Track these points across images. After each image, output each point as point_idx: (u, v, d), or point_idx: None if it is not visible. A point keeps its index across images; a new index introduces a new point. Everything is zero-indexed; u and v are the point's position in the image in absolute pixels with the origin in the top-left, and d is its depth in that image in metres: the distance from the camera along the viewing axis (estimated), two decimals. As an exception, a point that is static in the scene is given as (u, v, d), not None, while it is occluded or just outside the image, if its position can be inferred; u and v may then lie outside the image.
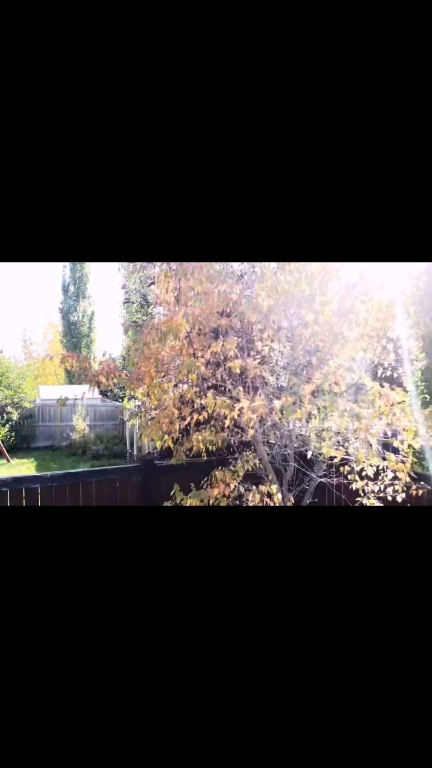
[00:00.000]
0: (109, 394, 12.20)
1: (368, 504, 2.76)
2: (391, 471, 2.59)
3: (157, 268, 2.45)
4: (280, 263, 2.60)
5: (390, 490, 2.68)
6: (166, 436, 2.59)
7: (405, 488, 2.63)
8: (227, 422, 2.11)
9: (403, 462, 2.26)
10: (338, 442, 2.59)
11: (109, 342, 36.46)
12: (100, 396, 11.46)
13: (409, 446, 2.31)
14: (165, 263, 2.49)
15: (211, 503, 2.29)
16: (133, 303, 8.65)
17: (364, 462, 2.23)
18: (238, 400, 2.11)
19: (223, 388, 2.49)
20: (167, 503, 2.46)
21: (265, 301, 2.01)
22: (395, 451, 2.47)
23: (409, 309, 2.63)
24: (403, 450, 2.39)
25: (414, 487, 2.73)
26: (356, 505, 2.84)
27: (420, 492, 2.78)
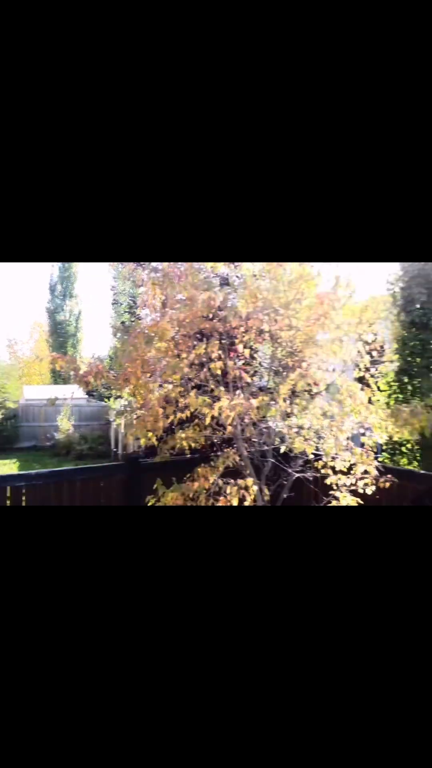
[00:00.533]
0: (94, 394, 12.20)
1: (341, 497, 2.94)
2: (361, 464, 2.78)
3: (145, 275, 2.58)
4: (262, 270, 2.78)
5: (361, 483, 2.88)
6: (150, 434, 2.72)
7: (374, 481, 2.84)
8: (207, 420, 2.26)
9: (368, 455, 2.45)
10: (313, 439, 2.76)
11: (96, 342, 36.16)
12: (86, 396, 11.46)
13: (375, 441, 2.51)
14: (152, 271, 2.62)
15: (191, 497, 2.43)
16: (121, 304, 8.73)
17: (331, 455, 2.41)
18: (219, 399, 2.26)
19: (206, 388, 2.63)
20: (149, 498, 2.59)
21: (245, 307, 2.17)
22: (363, 446, 2.66)
23: (381, 314, 2.84)
24: (367, 445, 2.58)
25: (382, 479, 2.93)
26: (329, 498, 3.03)
27: (387, 484, 2.99)
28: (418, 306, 4.07)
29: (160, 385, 2.75)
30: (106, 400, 10.71)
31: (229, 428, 2.31)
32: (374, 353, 3.25)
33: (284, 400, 2.28)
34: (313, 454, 2.88)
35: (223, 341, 2.76)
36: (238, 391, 2.29)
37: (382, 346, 4.14)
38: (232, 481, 2.62)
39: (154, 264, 2.95)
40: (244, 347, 2.77)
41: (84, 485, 3.22)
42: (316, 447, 2.43)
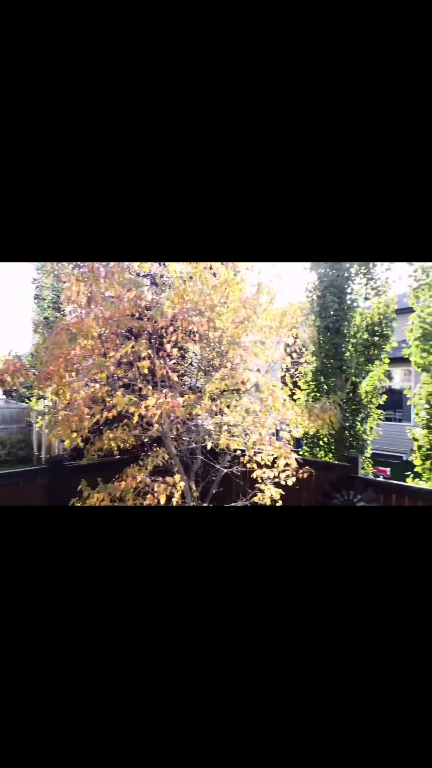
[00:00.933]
0: (14, 394, 11.20)
1: (266, 489, 3.15)
2: (283, 458, 3.01)
3: (69, 269, 2.48)
4: (190, 272, 2.84)
5: (283, 475, 3.11)
6: (75, 435, 2.62)
7: (294, 473, 3.09)
8: (135, 419, 2.26)
9: (286, 448, 2.66)
10: (242, 435, 2.92)
11: (14, 338, 33.04)
12: (4, 397, 10.48)
13: (292, 436, 2.74)
14: (77, 267, 2.53)
15: (119, 496, 2.41)
16: (44, 299, 8.14)
17: (253, 449, 2.57)
18: (146, 398, 2.27)
19: (134, 387, 2.62)
20: (73, 500, 2.50)
21: (172, 308, 2.21)
22: (280, 440, 2.88)
23: (298, 319, 3.09)
24: (285, 439, 2.81)
25: (301, 471, 3.21)
26: (255, 491, 3.23)
27: (305, 474, 3.29)
28: (332, 313, 4.50)
29: (86, 384, 2.67)
30: (27, 401, 9.92)
31: (157, 426, 2.34)
32: (294, 355, 3.54)
33: (211, 399, 2.38)
34: (238, 450, 3.03)
35: (152, 340, 2.77)
36: (165, 390, 2.33)
37: (301, 349, 4.51)
38: (160, 479, 2.65)
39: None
40: (173, 347, 2.81)
41: (1, 492, 2.99)
42: (243, 443, 2.57)
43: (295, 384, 4.57)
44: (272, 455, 3.02)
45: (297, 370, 4.56)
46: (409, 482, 3.90)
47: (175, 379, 2.54)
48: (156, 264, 2.86)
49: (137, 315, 2.49)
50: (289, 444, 2.83)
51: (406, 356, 3.98)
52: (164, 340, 2.85)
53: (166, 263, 2.49)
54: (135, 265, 2.41)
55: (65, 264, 2.85)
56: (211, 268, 2.93)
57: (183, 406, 2.11)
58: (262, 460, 3.14)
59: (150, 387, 2.45)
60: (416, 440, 3.90)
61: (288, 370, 3.28)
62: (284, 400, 2.49)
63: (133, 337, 2.93)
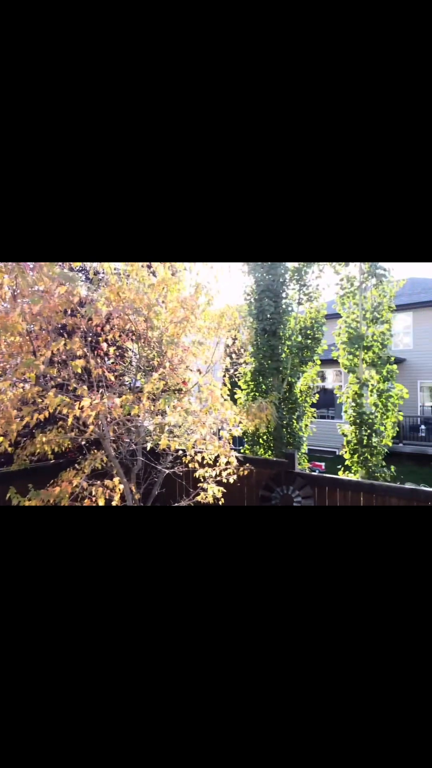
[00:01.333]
0: None
1: (208, 488, 3.19)
2: (224, 457, 3.08)
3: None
4: (125, 270, 2.79)
5: (225, 473, 3.18)
6: (1, 439, 2.42)
7: (235, 471, 3.17)
8: (70, 420, 2.15)
9: (225, 447, 2.73)
10: (184, 435, 2.92)
11: None
12: None
13: (231, 434, 2.81)
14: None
15: (52, 502, 2.27)
16: None
17: (194, 449, 2.59)
18: (81, 398, 2.18)
19: (68, 388, 2.50)
20: None
21: (106, 305, 2.15)
22: (221, 438, 2.95)
23: (236, 321, 3.19)
24: (225, 438, 2.88)
25: (242, 468, 3.31)
26: (198, 490, 3.25)
27: (246, 472, 3.39)
28: (268, 316, 4.71)
29: (13, 384, 2.48)
30: None
31: (93, 428, 2.25)
32: (234, 356, 3.64)
33: (150, 399, 2.35)
34: (179, 450, 3.03)
35: (88, 338, 2.66)
36: (101, 390, 2.25)
37: (240, 350, 4.66)
38: (98, 482, 2.55)
39: None
40: (109, 345, 2.73)
41: None
42: (184, 443, 2.58)
43: (234, 384, 4.70)
44: (213, 454, 3.06)
45: (236, 370, 4.70)
46: (341, 475, 4.22)
47: (113, 379, 2.47)
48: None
49: (70, 312, 2.38)
50: (229, 443, 2.90)
51: (335, 358, 4.30)
52: (100, 338, 2.75)
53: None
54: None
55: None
56: (150, 266, 2.90)
57: (121, 407, 2.06)
58: (204, 459, 3.17)
59: (85, 387, 2.35)
60: (345, 435, 4.23)
61: (228, 370, 3.36)
62: (224, 400, 2.55)
63: (66, 335, 2.79)
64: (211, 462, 3.25)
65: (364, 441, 4.05)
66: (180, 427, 2.73)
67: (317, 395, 5.29)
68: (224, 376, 3.22)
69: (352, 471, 4.19)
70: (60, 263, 2.18)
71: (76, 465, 2.89)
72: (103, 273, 2.57)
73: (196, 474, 3.27)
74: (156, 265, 2.87)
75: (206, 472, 3.20)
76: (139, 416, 2.21)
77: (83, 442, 3.36)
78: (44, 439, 2.85)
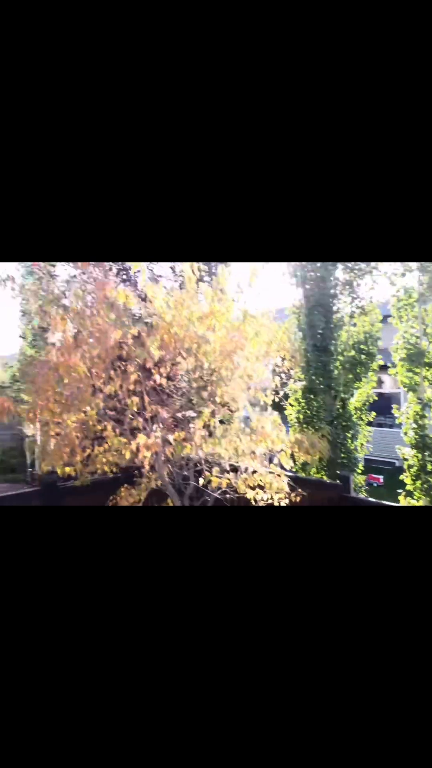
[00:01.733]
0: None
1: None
2: (275, 482, 3.05)
3: (53, 311, 2.49)
4: (175, 304, 2.86)
5: (276, 497, 3.15)
6: (68, 468, 2.63)
7: (287, 495, 3.13)
8: (127, 455, 2.27)
9: (277, 478, 2.70)
10: (228, 467, 2.95)
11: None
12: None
13: (281, 466, 2.78)
14: (59, 307, 2.54)
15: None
16: (25, 338, 8.03)
17: (245, 475, 2.60)
18: (138, 430, 2.30)
19: (123, 421, 2.64)
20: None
21: (157, 350, 2.23)
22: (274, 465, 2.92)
23: (285, 345, 3.14)
24: (276, 469, 2.85)
25: (293, 494, 3.25)
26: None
27: (298, 498, 3.33)
28: (319, 331, 4.56)
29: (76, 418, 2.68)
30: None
31: (146, 466, 2.36)
32: (283, 375, 3.58)
33: (201, 432, 2.40)
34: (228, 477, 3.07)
35: (141, 373, 2.79)
36: (155, 425, 2.35)
37: (289, 369, 4.55)
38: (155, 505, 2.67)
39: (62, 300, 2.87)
40: (161, 377, 2.83)
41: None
42: (230, 480, 2.60)
43: (281, 402, 4.61)
44: (264, 480, 3.05)
45: (286, 389, 4.61)
46: (402, 501, 3.97)
47: (165, 415, 2.56)
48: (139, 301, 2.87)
49: (122, 355, 2.50)
50: (281, 474, 2.87)
51: (393, 375, 4.04)
52: (153, 371, 2.87)
53: (151, 299, 2.50)
54: (120, 301, 2.42)
55: (50, 303, 2.84)
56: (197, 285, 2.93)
57: (172, 445, 2.13)
58: (255, 482, 3.17)
59: (141, 419, 2.47)
60: (406, 460, 3.97)
61: (277, 392, 3.31)
62: (276, 436, 2.52)
63: (122, 364, 2.94)
64: (261, 484, 3.24)
65: (428, 467, 3.76)
66: (221, 456, 2.75)
67: (373, 413, 5.01)
68: (274, 399, 3.18)
69: (415, 497, 3.92)
70: (113, 310, 2.29)
71: (133, 480, 3.03)
72: (153, 312, 2.65)
73: (247, 496, 3.27)
74: (205, 290, 2.91)
75: (257, 494, 3.19)
76: (190, 453, 2.28)
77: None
78: (103, 459, 3.05)
